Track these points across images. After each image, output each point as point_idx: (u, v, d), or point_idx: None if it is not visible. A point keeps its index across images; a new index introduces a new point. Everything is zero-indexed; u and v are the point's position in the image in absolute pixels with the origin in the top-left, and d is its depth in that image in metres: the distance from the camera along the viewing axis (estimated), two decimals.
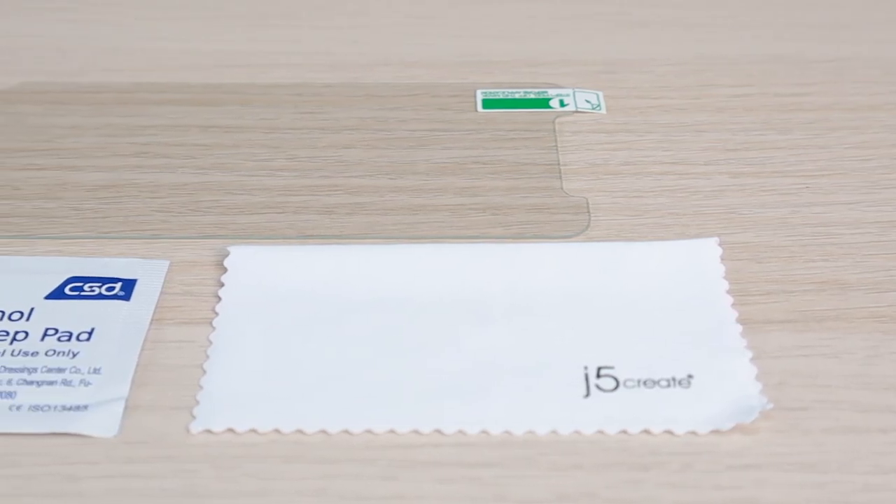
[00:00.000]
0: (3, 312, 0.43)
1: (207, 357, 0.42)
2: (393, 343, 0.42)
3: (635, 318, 0.43)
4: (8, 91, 0.55)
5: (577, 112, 0.54)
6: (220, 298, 0.44)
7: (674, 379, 0.40)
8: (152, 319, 0.43)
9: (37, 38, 0.59)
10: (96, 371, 0.41)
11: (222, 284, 0.45)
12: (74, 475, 0.38)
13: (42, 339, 0.42)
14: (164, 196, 0.49)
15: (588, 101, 0.54)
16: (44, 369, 0.41)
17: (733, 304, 0.43)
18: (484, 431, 0.39)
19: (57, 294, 0.44)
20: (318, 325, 0.43)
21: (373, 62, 0.57)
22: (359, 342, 0.42)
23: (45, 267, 0.45)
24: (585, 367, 0.41)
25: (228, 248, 0.45)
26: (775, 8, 0.62)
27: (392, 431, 0.39)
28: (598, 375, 0.41)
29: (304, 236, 0.47)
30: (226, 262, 0.45)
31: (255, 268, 0.45)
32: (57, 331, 0.43)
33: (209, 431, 0.39)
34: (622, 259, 0.45)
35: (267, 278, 0.45)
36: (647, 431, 0.39)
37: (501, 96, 0.55)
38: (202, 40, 0.59)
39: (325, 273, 0.45)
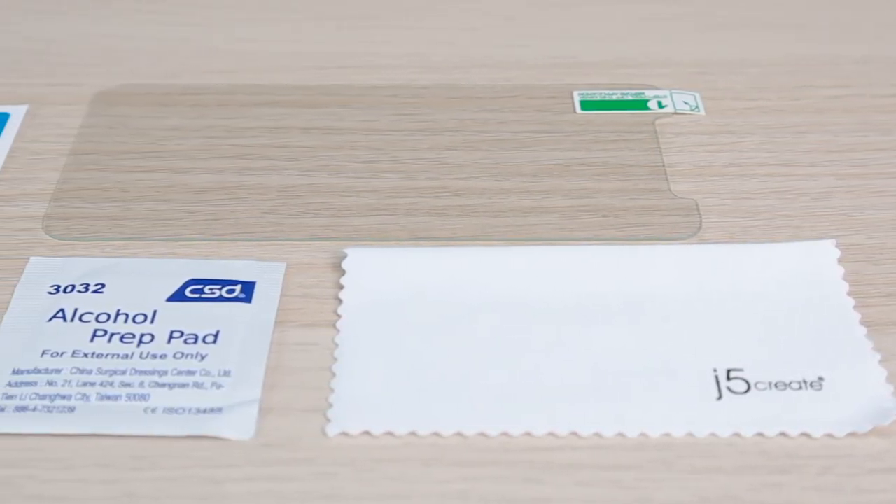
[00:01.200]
0: (127, 315, 0.43)
1: (335, 360, 0.42)
2: (517, 345, 0.42)
3: (757, 321, 0.43)
4: (108, 93, 0.55)
5: (675, 113, 0.54)
6: (340, 301, 0.44)
7: (804, 381, 0.40)
8: (275, 322, 0.43)
9: (132, 41, 0.59)
10: (226, 373, 0.41)
11: (342, 287, 0.45)
12: (215, 478, 0.38)
13: (168, 341, 0.42)
14: (273, 198, 0.49)
15: (686, 103, 0.54)
16: (174, 371, 0.41)
17: (855, 307, 0.43)
18: (620, 434, 0.39)
19: (178, 296, 0.44)
20: (440, 327, 0.43)
21: (467, 64, 0.57)
22: (483, 344, 0.42)
23: (164, 269, 0.45)
24: (714, 370, 0.41)
25: (345, 251, 0.46)
26: (860, 8, 0.62)
27: (528, 434, 0.39)
28: (729, 378, 0.41)
29: (417, 238, 0.47)
30: (343, 265, 0.45)
31: (373, 270, 0.45)
32: (182, 333, 0.43)
33: (345, 434, 0.39)
34: (740, 261, 0.45)
35: (386, 280, 0.45)
36: (783, 434, 0.39)
37: (599, 98, 0.55)
38: (295, 42, 0.59)
39: (444, 275, 0.45)
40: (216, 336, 0.43)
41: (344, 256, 0.45)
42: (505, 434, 0.39)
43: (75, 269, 0.45)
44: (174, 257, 0.46)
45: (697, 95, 0.55)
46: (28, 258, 0.46)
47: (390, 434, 0.39)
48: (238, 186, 0.50)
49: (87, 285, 0.44)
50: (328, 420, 0.40)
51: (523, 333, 0.43)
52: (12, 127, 0.53)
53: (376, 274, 0.45)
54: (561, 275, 0.45)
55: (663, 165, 0.51)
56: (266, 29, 0.60)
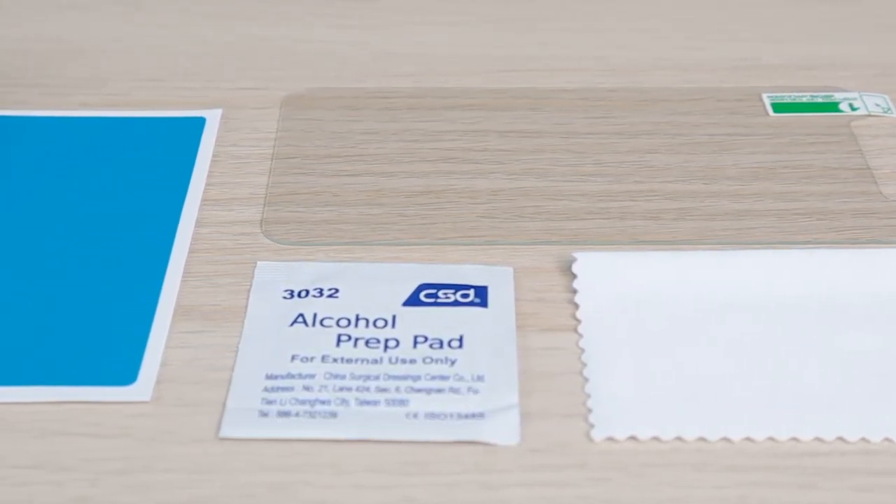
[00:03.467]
0: (367, 320, 0.43)
1: (584, 364, 0.42)
2: (765, 348, 0.42)
3: None
4: (297, 97, 0.55)
5: (869, 115, 0.54)
6: (577, 305, 0.44)
7: None
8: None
9: (310, 45, 0.59)
10: (479, 378, 0.41)
11: (575, 291, 0.45)
12: (490, 483, 0.38)
13: (414, 346, 0.42)
14: (484, 202, 0.49)
15: (878, 105, 0.54)
16: (427, 377, 0.41)
17: None
18: (887, 439, 0.39)
19: (413, 301, 0.44)
20: (682, 330, 0.43)
21: (649, 66, 0.57)
22: (731, 347, 0.42)
23: (394, 274, 0.45)
24: None
25: (573, 255, 0.46)
26: None
27: (794, 439, 0.39)
28: None
29: (637, 241, 0.47)
30: (574, 269, 0.45)
31: (604, 273, 0.45)
32: (427, 338, 0.43)
33: (611, 439, 0.39)
34: None
35: (618, 284, 0.45)
36: None
37: (789, 100, 0.55)
38: (475, 45, 0.59)
39: (675, 278, 0.45)
40: (461, 341, 0.43)
41: (572, 260, 0.46)
42: (771, 439, 0.39)
43: (305, 273, 0.45)
44: (398, 261, 0.46)
45: (887, 97, 0.55)
46: (254, 263, 0.46)
47: (656, 439, 0.39)
48: (447, 190, 0.50)
49: (321, 290, 0.45)
50: (591, 425, 0.40)
51: (768, 336, 0.43)
52: (210, 131, 0.53)
53: (608, 277, 0.45)
54: (793, 278, 0.45)
55: (869, 168, 0.51)
56: (443, 32, 0.60)
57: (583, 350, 0.42)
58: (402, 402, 0.40)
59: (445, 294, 0.45)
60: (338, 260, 0.46)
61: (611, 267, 0.45)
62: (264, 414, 0.40)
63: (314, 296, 0.44)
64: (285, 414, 0.40)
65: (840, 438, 0.39)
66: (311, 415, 0.40)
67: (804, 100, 0.55)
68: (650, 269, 0.45)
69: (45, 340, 0.42)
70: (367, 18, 0.61)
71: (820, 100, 0.55)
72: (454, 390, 0.41)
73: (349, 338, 0.43)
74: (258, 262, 0.46)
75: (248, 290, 0.45)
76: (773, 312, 0.44)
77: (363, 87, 0.56)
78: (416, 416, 0.40)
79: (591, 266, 0.45)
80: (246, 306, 0.44)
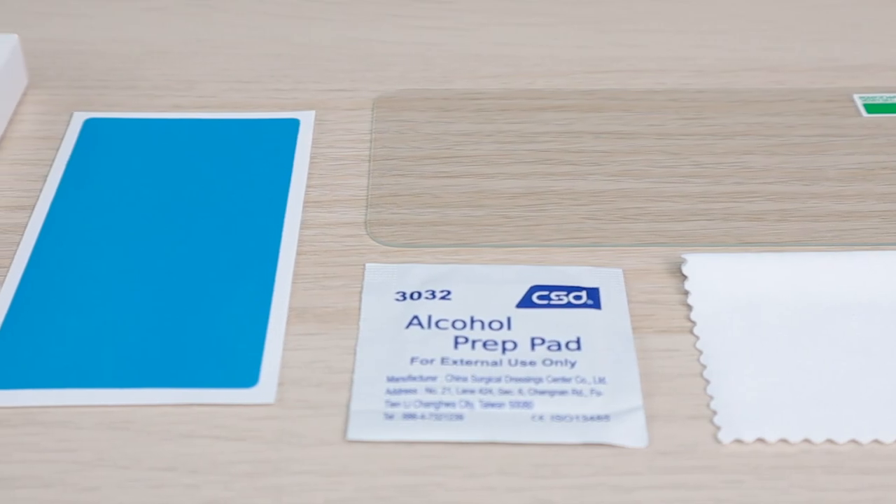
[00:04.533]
0: (482, 322, 0.43)
1: (704, 366, 0.42)
2: (879, 348, 0.42)
3: None
4: (388, 98, 0.55)
5: None
6: (690, 307, 0.44)
7: None
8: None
9: (395, 46, 0.59)
10: (601, 381, 0.41)
11: (687, 292, 0.45)
12: (623, 485, 0.38)
13: (532, 348, 0.42)
14: (587, 203, 0.49)
15: None
16: (549, 379, 0.41)
17: None
18: None
19: (526, 303, 0.44)
20: (796, 331, 0.43)
21: (736, 67, 0.57)
22: (844, 348, 0.42)
23: (504, 276, 0.45)
24: None
25: (683, 256, 0.46)
26: None
27: None
28: None
29: (742, 243, 0.47)
30: (684, 270, 0.45)
31: (715, 275, 0.45)
32: (544, 340, 0.43)
33: (739, 441, 0.39)
34: None
35: (730, 285, 0.45)
36: None
37: (881, 101, 0.55)
38: (559, 47, 0.59)
39: (785, 279, 0.45)
40: (578, 342, 0.43)
41: (681, 262, 0.45)
42: None
43: (415, 275, 0.45)
44: (506, 263, 0.46)
45: None
46: (362, 265, 0.46)
47: (784, 441, 0.39)
48: (548, 192, 0.50)
49: (433, 292, 0.45)
50: (718, 427, 0.40)
51: (885, 336, 0.43)
52: (305, 133, 0.53)
53: (719, 279, 0.45)
54: None
55: None
56: (526, 33, 0.60)
57: (701, 352, 0.42)
58: (527, 405, 0.40)
59: (558, 296, 0.45)
60: (446, 262, 0.46)
61: (721, 268, 0.45)
62: (389, 416, 0.40)
63: (427, 298, 0.44)
64: (411, 416, 0.40)
65: None
66: (437, 417, 0.40)
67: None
68: (761, 270, 0.45)
69: (165, 343, 0.42)
70: (445, 19, 0.61)
71: None
72: (577, 392, 0.41)
73: (466, 340, 0.43)
74: (367, 264, 0.46)
75: (360, 292, 0.45)
76: (887, 313, 0.44)
77: (452, 89, 0.56)
78: (541, 418, 0.40)
79: (702, 268, 0.45)
80: (358, 308, 0.44)
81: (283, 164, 0.51)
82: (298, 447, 0.39)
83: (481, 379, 0.41)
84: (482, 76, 0.57)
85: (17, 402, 0.40)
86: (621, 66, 0.57)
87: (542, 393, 0.41)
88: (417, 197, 0.49)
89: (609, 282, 0.45)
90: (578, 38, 0.59)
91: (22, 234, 0.47)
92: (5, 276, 0.45)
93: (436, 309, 0.44)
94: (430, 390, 0.41)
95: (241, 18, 0.61)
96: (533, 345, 0.43)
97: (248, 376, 0.41)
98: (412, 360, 0.42)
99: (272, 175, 0.50)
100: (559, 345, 0.43)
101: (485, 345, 0.43)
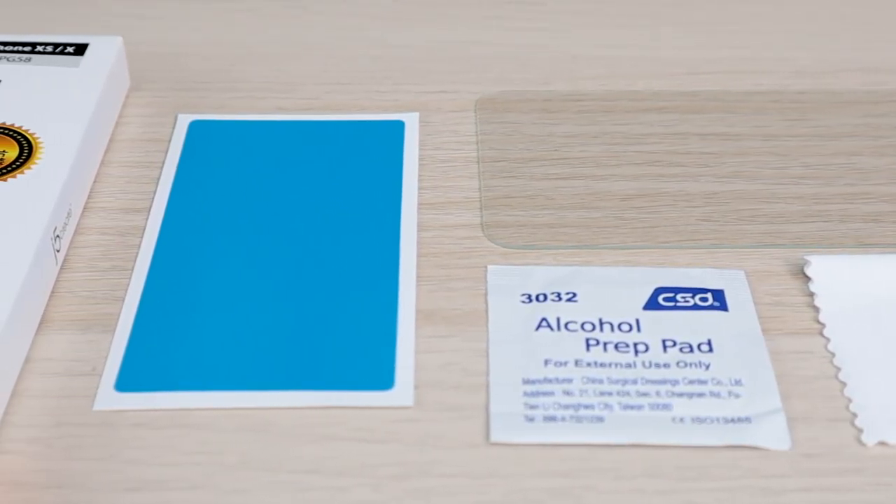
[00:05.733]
0: (611, 324, 0.43)
1: (838, 368, 0.42)
2: None
3: None
4: (490, 100, 0.55)
5: None
6: (817, 308, 0.44)
7: None
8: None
9: (491, 48, 0.59)
10: (737, 382, 0.41)
11: (811, 294, 0.45)
12: (771, 488, 0.38)
13: (664, 350, 0.42)
14: (700, 205, 0.49)
15: None
16: (685, 381, 0.41)
17: None
18: None
19: (652, 305, 0.44)
20: None
21: (834, 68, 0.57)
22: None
23: (627, 278, 0.45)
24: None
25: (806, 258, 0.45)
26: None
27: None
28: None
29: (862, 244, 0.47)
30: (808, 272, 0.45)
31: (839, 277, 0.45)
32: (675, 342, 0.43)
33: (883, 443, 0.39)
34: None
35: (855, 286, 0.45)
36: None
37: None
38: (655, 48, 0.59)
39: None
40: (710, 344, 0.43)
41: (804, 263, 0.45)
42: None
43: (538, 277, 0.45)
44: (626, 265, 0.46)
45: None
46: (483, 266, 0.46)
47: None
48: (661, 193, 0.50)
49: (559, 294, 0.45)
50: (860, 429, 0.40)
51: None
52: (411, 134, 0.53)
53: (844, 280, 0.45)
54: None
55: None
56: (622, 35, 0.60)
57: (833, 353, 0.42)
58: (666, 407, 0.40)
59: (684, 298, 0.44)
60: (567, 263, 0.46)
61: (846, 270, 0.45)
62: (530, 419, 0.40)
63: (553, 300, 0.44)
64: (551, 419, 0.40)
65: None
66: (578, 419, 0.40)
67: None
68: (886, 271, 0.45)
69: (298, 346, 0.42)
70: (539, 21, 0.61)
71: None
72: (715, 394, 0.41)
73: (597, 342, 0.43)
74: (489, 266, 0.46)
75: (484, 294, 0.45)
76: None
77: (553, 90, 0.56)
78: (682, 420, 0.40)
79: (827, 269, 0.45)
80: (485, 310, 0.44)
81: (393, 165, 0.51)
82: (442, 449, 0.39)
83: (617, 381, 0.41)
84: (581, 77, 0.57)
85: (161, 405, 0.40)
86: (719, 68, 0.57)
87: (680, 395, 0.41)
88: (531, 199, 0.49)
89: (733, 283, 0.45)
90: (675, 39, 0.59)
91: (141, 237, 0.47)
92: (129, 278, 0.45)
93: (563, 311, 0.44)
94: (567, 392, 0.41)
95: (335, 20, 0.61)
96: (665, 347, 0.43)
97: (384, 379, 0.41)
98: (546, 362, 0.42)
99: (382, 177, 0.50)
100: (691, 347, 0.42)
101: (616, 347, 0.42)
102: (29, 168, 0.46)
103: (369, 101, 0.55)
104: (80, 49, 0.53)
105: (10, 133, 0.47)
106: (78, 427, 0.40)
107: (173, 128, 0.53)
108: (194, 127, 0.53)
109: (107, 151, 0.51)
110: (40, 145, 0.47)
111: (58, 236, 0.45)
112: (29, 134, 0.47)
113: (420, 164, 0.51)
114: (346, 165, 0.51)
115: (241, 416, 0.40)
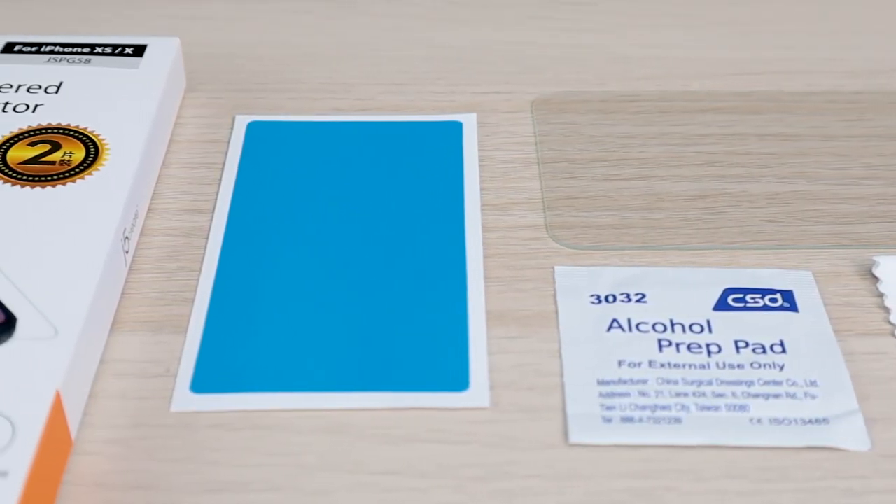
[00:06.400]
0: (682, 325, 0.43)
1: None
2: None
3: None
4: (546, 101, 0.55)
5: None
6: (888, 309, 0.44)
7: None
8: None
9: (545, 48, 0.59)
10: (813, 384, 0.41)
11: (882, 294, 0.45)
12: (853, 489, 0.38)
13: (737, 351, 0.42)
14: (763, 206, 0.49)
15: None
16: (760, 382, 0.41)
17: None
18: None
19: (722, 305, 0.44)
20: None
21: (888, 68, 0.57)
22: None
23: (695, 279, 0.45)
24: None
25: (874, 259, 0.45)
26: None
27: None
28: None
29: None
30: (877, 272, 0.45)
31: None
32: (748, 343, 0.43)
33: None
34: None
35: None
36: None
37: None
38: (707, 48, 0.58)
39: None
40: (783, 345, 0.42)
41: (873, 264, 0.45)
42: None
43: (606, 278, 0.45)
44: (693, 266, 0.46)
45: None
46: (550, 267, 0.46)
47: None
48: (723, 194, 0.50)
49: (628, 295, 0.44)
50: None
51: None
52: (470, 135, 0.53)
53: None
54: None
55: None
56: (674, 35, 0.59)
57: None
58: (743, 408, 0.40)
59: (753, 298, 0.44)
60: (633, 264, 0.46)
61: None
62: (608, 420, 0.40)
63: (622, 301, 0.44)
64: (629, 420, 0.40)
65: None
66: (655, 420, 0.40)
67: None
68: None
69: (371, 347, 0.42)
70: (587, 22, 0.61)
71: None
72: (791, 395, 0.41)
73: (670, 343, 0.43)
74: (556, 267, 0.46)
75: (553, 295, 0.45)
76: None
77: (608, 91, 0.56)
78: (759, 421, 0.40)
79: (892, 271, 0.45)
80: (554, 311, 0.44)
81: (453, 166, 0.51)
82: (520, 451, 0.39)
83: (692, 382, 0.41)
84: (635, 78, 0.57)
85: (237, 406, 0.40)
86: (772, 68, 0.57)
87: (756, 396, 0.41)
88: (594, 199, 0.49)
89: (801, 284, 0.45)
90: (726, 39, 0.59)
91: (206, 238, 0.47)
92: (197, 279, 0.45)
93: (633, 312, 0.44)
94: (643, 393, 0.41)
95: (385, 21, 0.61)
96: (737, 348, 0.42)
97: (458, 380, 0.41)
98: (619, 363, 0.42)
99: (444, 177, 0.50)
100: (763, 348, 0.42)
101: (689, 348, 0.42)
102: (97, 169, 0.46)
103: (424, 102, 0.55)
104: (139, 50, 0.53)
105: (76, 134, 0.47)
106: (156, 428, 0.40)
107: (231, 129, 0.53)
108: (252, 128, 0.53)
109: (167, 153, 0.51)
110: (106, 147, 0.47)
111: (126, 238, 0.44)
112: (94, 135, 0.47)
113: (480, 165, 0.51)
114: (407, 166, 0.51)
115: (317, 417, 0.40)
